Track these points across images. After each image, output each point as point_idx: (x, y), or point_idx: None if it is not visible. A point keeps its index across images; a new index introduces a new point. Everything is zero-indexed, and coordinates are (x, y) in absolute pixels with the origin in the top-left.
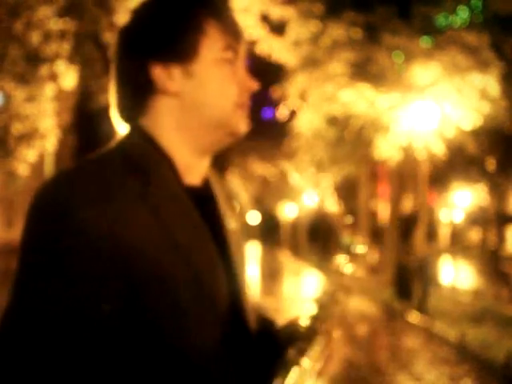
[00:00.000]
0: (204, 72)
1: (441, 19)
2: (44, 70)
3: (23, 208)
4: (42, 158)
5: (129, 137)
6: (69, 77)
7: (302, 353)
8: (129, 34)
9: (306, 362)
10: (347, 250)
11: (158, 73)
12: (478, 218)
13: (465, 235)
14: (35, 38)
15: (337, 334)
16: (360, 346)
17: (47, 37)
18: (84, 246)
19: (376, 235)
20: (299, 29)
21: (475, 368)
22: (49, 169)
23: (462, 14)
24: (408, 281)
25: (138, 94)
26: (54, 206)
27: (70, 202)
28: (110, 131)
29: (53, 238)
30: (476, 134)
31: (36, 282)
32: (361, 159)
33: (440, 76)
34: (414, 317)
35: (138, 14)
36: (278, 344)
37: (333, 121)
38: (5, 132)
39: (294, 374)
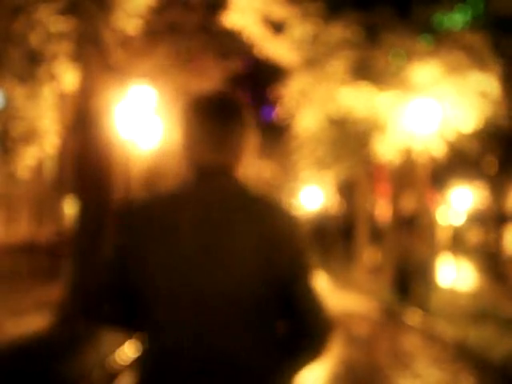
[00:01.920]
0: None
1: (440, 18)
2: (44, 71)
3: (23, 208)
4: (42, 158)
5: (239, 181)
6: (69, 77)
7: None
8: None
9: None
10: None
11: None
12: (479, 219)
13: (465, 236)
14: (35, 38)
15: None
16: (360, 346)
17: (47, 37)
18: None
19: (376, 235)
20: (299, 29)
21: (475, 368)
22: (49, 169)
23: (463, 15)
24: (408, 281)
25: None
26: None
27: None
28: (109, 131)
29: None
30: (476, 134)
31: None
32: (361, 159)
33: (440, 76)
34: (413, 317)
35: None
36: None
37: (333, 121)
38: (5, 133)
39: None
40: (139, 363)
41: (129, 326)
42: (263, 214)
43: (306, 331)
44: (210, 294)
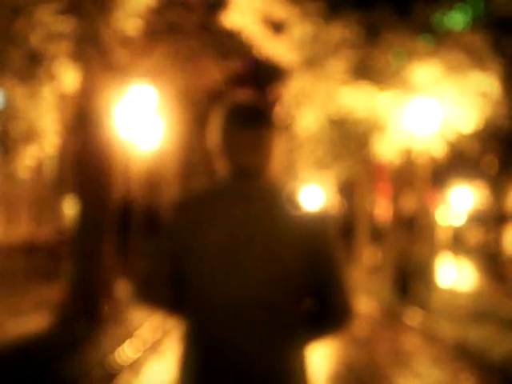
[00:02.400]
0: None
1: (440, 18)
2: (44, 71)
3: (23, 208)
4: (42, 158)
5: (271, 180)
6: (69, 77)
7: None
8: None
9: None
10: None
11: None
12: (479, 219)
13: (465, 236)
14: (35, 38)
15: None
16: (360, 346)
17: (47, 37)
18: None
19: (376, 235)
20: (299, 28)
21: (475, 368)
22: (49, 169)
23: (464, 15)
24: (408, 281)
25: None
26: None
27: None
28: (109, 131)
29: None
30: (477, 134)
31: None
32: (361, 159)
33: (441, 76)
34: (413, 317)
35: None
36: None
37: (333, 121)
38: (5, 132)
39: None
40: (183, 349)
41: (177, 311)
42: (296, 213)
43: (330, 312)
44: (239, 288)
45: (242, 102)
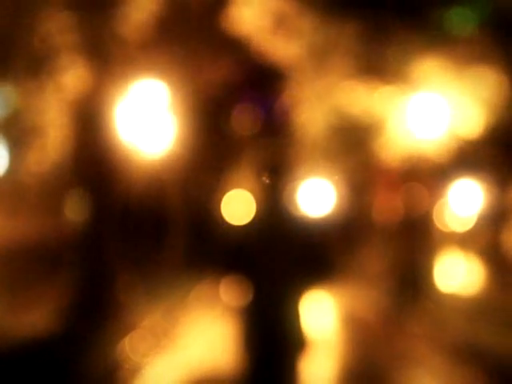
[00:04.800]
0: None
1: (447, 15)
2: (48, 68)
3: (27, 207)
4: (46, 158)
5: None
6: (73, 75)
7: None
8: None
9: None
10: None
11: None
12: (484, 220)
13: (470, 237)
14: (38, 35)
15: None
16: (362, 349)
17: (51, 34)
18: None
19: (379, 236)
20: (301, 25)
21: (478, 369)
22: (53, 169)
23: (471, 12)
24: (411, 283)
25: None
26: None
27: None
28: (114, 130)
29: None
30: (484, 134)
31: None
32: (363, 160)
33: (446, 75)
34: (416, 319)
35: None
36: None
37: (334, 119)
38: (10, 131)
39: None
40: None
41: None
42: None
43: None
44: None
45: (266, 161)
